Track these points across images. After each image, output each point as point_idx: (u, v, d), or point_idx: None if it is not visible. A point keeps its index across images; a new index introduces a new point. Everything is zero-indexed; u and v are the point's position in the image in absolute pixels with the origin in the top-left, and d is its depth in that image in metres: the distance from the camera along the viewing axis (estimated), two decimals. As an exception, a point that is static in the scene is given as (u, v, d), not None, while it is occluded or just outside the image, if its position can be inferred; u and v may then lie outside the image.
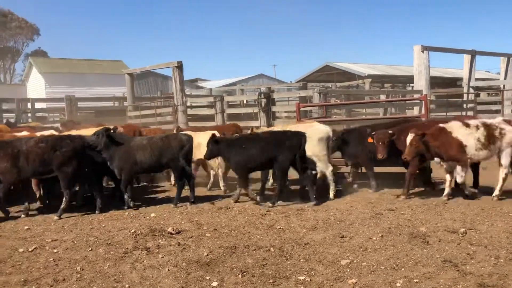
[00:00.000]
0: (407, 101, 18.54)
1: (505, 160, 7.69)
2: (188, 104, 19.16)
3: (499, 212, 6.94)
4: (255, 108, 17.08)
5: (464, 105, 20.33)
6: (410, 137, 7.73)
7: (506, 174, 7.72)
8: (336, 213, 7.33)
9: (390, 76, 38.84)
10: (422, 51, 18.72)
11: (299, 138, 8.11)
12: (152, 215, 7.74)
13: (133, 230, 6.71)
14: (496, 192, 7.73)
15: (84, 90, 35.45)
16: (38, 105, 23.03)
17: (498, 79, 24.92)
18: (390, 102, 17.49)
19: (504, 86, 21.00)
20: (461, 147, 7.65)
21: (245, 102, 25.95)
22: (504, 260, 5.00)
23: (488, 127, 7.70)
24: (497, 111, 19.33)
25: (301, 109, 12.47)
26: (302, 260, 5.29)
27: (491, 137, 7.63)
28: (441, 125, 7.99)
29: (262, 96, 16.10)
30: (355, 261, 5.17)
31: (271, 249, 5.69)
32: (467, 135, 7.68)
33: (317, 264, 5.15)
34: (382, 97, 18.75)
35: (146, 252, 5.77)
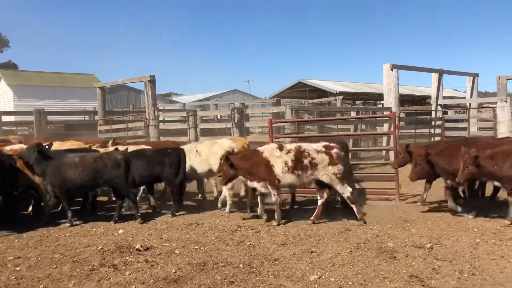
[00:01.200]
0: (377, 118, 18.88)
1: None
2: (161, 118, 19.05)
3: (464, 227, 7.10)
4: (228, 123, 17.11)
5: (433, 122, 20.82)
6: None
7: None
8: (306, 229, 7.36)
9: (361, 94, 39.57)
10: (392, 69, 19.14)
11: (178, 154, 9.00)
12: (121, 231, 7.61)
13: (100, 247, 6.57)
14: None
15: (54, 103, 34.78)
16: (5, 118, 22.48)
17: (465, 97, 25.69)
18: (361, 119, 17.76)
19: (470, 104, 21.64)
20: None
21: (218, 117, 25.97)
22: (468, 274, 5.11)
23: None
24: (463, 129, 19.87)
25: (274, 125, 12.55)
26: (271, 276, 5.28)
27: None
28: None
29: (236, 111, 16.17)
30: (323, 276, 5.19)
31: (241, 265, 5.66)
32: None
33: (285, 280, 5.15)
34: (353, 114, 19.03)
35: (113, 269, 5.65)
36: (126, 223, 8.21)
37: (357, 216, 7.73)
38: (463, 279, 5.00)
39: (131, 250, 6.38)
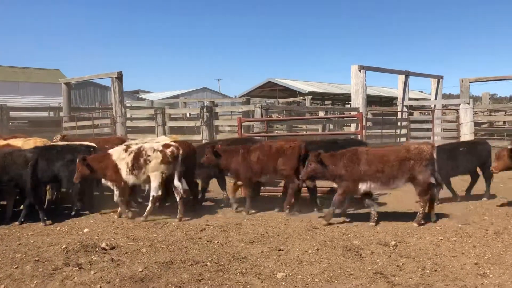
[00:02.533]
0: (345, 118, 19.18)
1: None
2: (128, 116, 18.79)
3: (427, 225, 7.29)
4: (197, 121, 17.03)
5: (399, 123, 21.29)
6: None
7: None
8: (274, 227, 7.40)
9: (330, 94, 40.10)
10: (360, 70, 19.49)
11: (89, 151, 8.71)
12: (86, 230, 7.45)
13: (64, 246, 6.42)
14: None
15: (17, 99, 33.79)
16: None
17: (430, 99, 26.38)
18: (329, 119, 18.01)
19: (434, 106, 22.25)
20: None
21: (187, 115, 25.80)
22: (430, 271, 5.25)
23: None
24: (428, 130, 20.39)
25: (243, 123, 12.57)
26: (238, 274, 5.29)
27: None
28: None
29: (205, 109, 16.11)
30: (290, 274, 5.23)
31: (208, 263, 5.64)
32: None
33: (253, 277, 5.16)
34: (321, 114, 19.28)
35: (77, 268, 5.53)
36: (92, 221, 8.06)
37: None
38: (426, 275, 5.14)
39: (97, 249, 6.26)
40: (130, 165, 7.98)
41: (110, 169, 8.03)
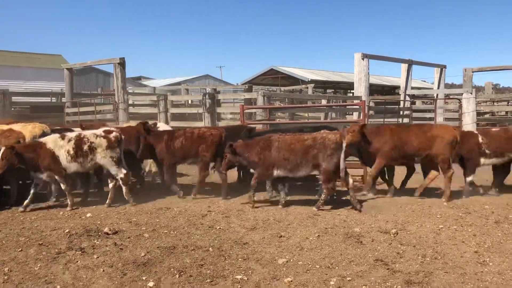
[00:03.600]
0: (347, 107, 19.14)
1: None
2: (130, 102, 18.78)
3: (427, 213, 7.33)
4: (199, 108, 17.01)
5: (401, 112, 21.24)
6: None
7: None
8: (276, 214, 7.45)
9: (333, 82, 39.94)
10: (363, 59, 19.38)
11: None
12: (88, 215, 7.51)
13: (67, 230, 6.48)
14: None
15: (19, 84, 33.74)
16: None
17: (432, 88, 26.29)
18: (331, 107, 17.97)
19: (437, 95, 22.16)
20: None
21: (190, 102, 25.77)
22: (430, 258, 5.30)
23: None
24: (430, 119, 20.35)
25: (245, 111, 12.57)
26: (240, 259, 5.33)
27: None
28: None
29: (207, 96, 16.08)
30: (291, 260, 5.28)
31: (210, 249, 5.69)
32: None
33: (254, 263, 5.21)
34: (324, 102, 19.24)
35: (80, 252, 5.59)
36: (94, 207, 8.11)
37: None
38: (426, 262, 5.18)
39: (99, 233, 6.32)
40: (72, 152, 7.93)
41: (47, 158, 7.85)
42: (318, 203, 7.71)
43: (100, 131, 8.34)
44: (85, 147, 8.01)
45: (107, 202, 8.15)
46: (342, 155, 7.67)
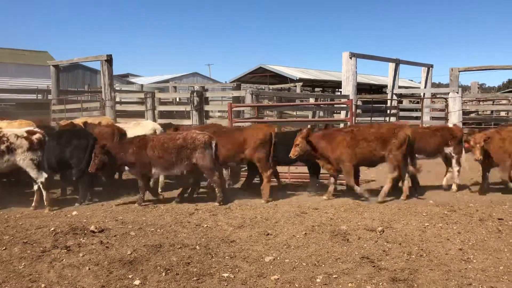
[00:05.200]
0: (335, 105, 19.21)
1: None
2: (117, 99, 18.61)
3: (413, 211, 7.39)
4: (187, 106, 16.94)
5: (388, 111, 21.38)
6: None
7: None
8: (263, 212, 7.46)
9: (321, 81, 40.04)
10: (350, 58, 19.46)
11: None
12: (74, 213, 7.45)
13: (52, 228, 6.42)
14: None
15: (4, 81, 33.25)
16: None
17: (419, 88, 26.50)
18: (319, 105, 18.03)
19: (424, 94, 22.34)
20: None
21: (177, 100, 25.63)
22: (416, 256, 5.35)
23: None
24: (417, 118, 20.51)
25: (233, 109, 12.54)
26: (227, 257, 5.33)
27: None
28: None
29: (195, 94, 16.01)
30: (278, 258, 5.29)
31: (197, 247, 5.68)
32: None
33: (241, 261, 5.22)
34: (312, 101, 19.28)
35: (66, 250, 5.55)
36: (81, 205, 8.04)
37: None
38: (411, 260, 5.23)
39: (85, 231, 6.27)
40: None
41: None
42: (218, 199, 8.04)
43: (22, 131, 7.87)
44: (2, 147, 7.55)
45: (32, 205, 7.83)
46: (212, 153, 8.04)
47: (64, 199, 8.64)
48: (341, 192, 8.97)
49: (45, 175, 7.82)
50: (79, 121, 11.13)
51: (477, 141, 8.27)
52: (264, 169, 8.45)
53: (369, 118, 19.36)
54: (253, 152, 8.45)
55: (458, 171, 9.22)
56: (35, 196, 7.89)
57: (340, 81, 21.52)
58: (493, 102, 27.24)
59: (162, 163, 8.01)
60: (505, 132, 8.65)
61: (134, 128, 9.83)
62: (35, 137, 7.80)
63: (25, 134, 7.77)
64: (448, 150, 9.25)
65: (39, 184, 7.78)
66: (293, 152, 8.17)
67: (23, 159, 7.67)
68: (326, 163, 8.39)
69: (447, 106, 18.72)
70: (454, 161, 9.24)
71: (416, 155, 8.88)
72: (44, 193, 7.78)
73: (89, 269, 4.98)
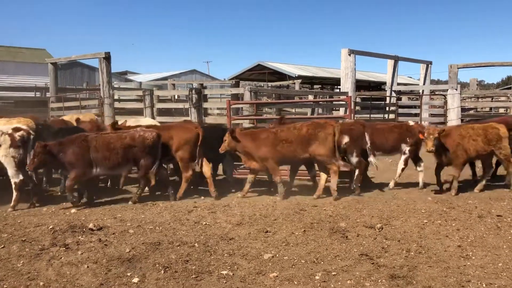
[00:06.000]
0: (334, 102, 19.20)
1: None
2: (116, 97, 18.60)
3: (412, 209, 7.38)
4: (186, 104, 16.92)
5: (387, 108, 21.39)
6: None
7: None
8: (262, 209, 7.45)
9: (319, 78, 40.04)
10: (349, 55, 19.47)
11: None
12: (73, 211, 7.44)
13: (51, 226, 6.40)
14: None
15: (3, 78, 33.20)
16: None
17: (418, 85, 26.50)
18: (317, 102, 18.02)
19: (423, 91, 22.35)
20: None
21: (176, 97, 25.62)
22: (414, 253, 5.34)
23: None
24: (416, 115, 20.51)
25: (232, 106, 12.52)
26: (226, 255, 5.33)
27: None
28: None
29: (194, 92, 16.00)
30: (277, 255, 5.29)
31: (196, 244, 5.68)
32: None
33: (240, 258, 5.21)
34: (311, 98, 19.27)
35: (64, 248, 5.53)
36: (79, 202, 8.02)
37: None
38: (410, 257, 5.23)
39: (84, 229, 6.26)
40: None
41: None
42: (134, 197, 8.04)
43: (7, 127, 7.81)
44: None
45: (11, 204, 7.68)
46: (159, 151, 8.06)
47: (64, 197, 8.61)
48: (340, 189, 8.96)
49: (21, 177, 7.74)
50: (68, 118, 11.14)
51: (431, 132, 8.29)
52: (185, 169, 8.47)
53: (368, 115, 19.37)
54: (177, 150, 8.47)
55: (402, 169, 9.30)
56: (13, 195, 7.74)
57: (339, 78, 21.51)
58: (492, 99, 27.30)
59: (106, 163, 7.74)
60: (465, 129, 8.61)
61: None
62: (18, 134, 7.73)
63: (10, 131, 7.71)
64: (404, 147, 9.25)
65: (13, 183, 7.67)
66: (222, 148, 8.37)
67: (5, 156, 7.60)
68: (249, 160, 8.47)
69: (446, 103, 18.73)
70: (403, 157, 9.31)
71: (375, 152, 9.01)
72: (15, 193, 7.69)
73: (88, 267, 4.97)
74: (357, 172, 8.76)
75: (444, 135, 8.39)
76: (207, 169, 8.59)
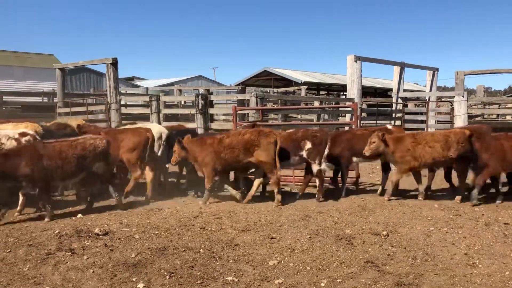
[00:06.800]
0: (340, 108, 19.18)
1: None
2: (123, 102, 18.68)
3: (418, 216, 7.35)
4: (192, 109, 16.95)
5: (393, 114, 21.33)
6: None
7: None
8: (267, 215, 7.44)
9: (326, 84, 40.02)
10: (355, 61, 19.46)
11: None
12: (79, 216, 7.47)
13: (57, 231, 6.43)
14: None
15: (10, 83, 33.48)
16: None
17: (425, 91, 26.42)
18: (323, 108, 18.01)
19: (429, 98, 22.26)
20: None
21: (182, 103, 25.70)
22: (421, 260, 5.31)
23: None
24: (422, 121, 20.42)
25: (238, 112, 12.55)
26: (231, 261, 5.32)
27: None
28: None
29: (200, 97, 16.01)
30: (282, 261, 5.28)
31: (201, 250, 5.68)
32: None
33: (245, 265, 5.20)
34: (316, 104, 19.27)
35: (70, 253, 5.56)
36: (85, 207, 8.05)
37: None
38: (416, 264, 5.20)
39: (90, 234, 6.28)
40: None
41: None
42: (117, 202, 7.99)
43: (14, 132, 7.82)
44: None
45: (17, 209, 7.58)
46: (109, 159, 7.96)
47: (73, 201, 8.64)
48: (348, 195, 8.94)
49: None
50: (72, 122, 11.24)
51: (372, 139, 8.40)
52: (133, 170, 8.66)
53: (374, 122, 19.32)
54: (125, 153, 8.63)
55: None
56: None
57: (345, 84, 21.49)
58: (499, 106, 27.14)
59: (61, 172, 7.35)
60: (421, 137, 8.54)
61: None
62: (24, 139, 7.78)
63: (16, 136, 7.76)
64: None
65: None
66: (172, 160, 8.64)
67: None
68: (200, 168, 8.64)
69: (452, 109, 18.62)
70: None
71: (354, 158, 9.13)
72: (21, 198, 7.64)
73: (93, 272, 4.98)
74: (317, 181, 8.74)
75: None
76: (149, 174, 8.83)
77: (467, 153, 8.06)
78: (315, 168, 8.64)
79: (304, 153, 8.64)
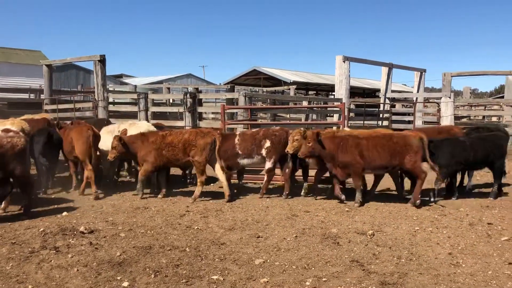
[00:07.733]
0: (328, 108, 19.24)
1: None
2: (110, 100, 18.54)
3: (404, 215, 7.41)
4: (180, 107, 16.89)
5: (381, 115, 21.44)
6: None
7: None
8: (254, 214, 7.45)
9: (314, 84, 40.15)
10: (344, 61, 19.52)
11: None
12: (64, 213, 7.40)
13: (42, 229, 6.37)
14: None
15: (-4, 79, 33.04)
16: None
17: (412, 92, 26.61)
18: (312, 108, 18.06)
19: (416, 98, 22.44)
20: None
21: (171, 101, 25.58)
22: (405, 260, 5.36)
23: None
24: (410, 122, 20.59)
25: (227, 111, 12.54)
26: (217, 260, 5.32)
27: None
28: None
29: (188, 96, 15.96)
30: (268, 260, 5.28)
31: (187, 249, 5.66)
32: None
33: (231, 263, 5.20)
34: (305, 104, 19.30)
35: (54, 251, 5.50)
36: (71, 205, 7.99)
37: None
38: (401, 264, 5.24)
39: (75, 232, 6.23)
40: None
41: None
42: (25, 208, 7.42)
43: None
44: None
45: (1, 206, 7.46)
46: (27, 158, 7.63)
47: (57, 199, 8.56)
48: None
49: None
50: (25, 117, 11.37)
51: (294, 136, 8.35)
52: (86, 167, 8.88)
53: (362, 122, 19.41)
54: (77, 149, 8.95)
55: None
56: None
57: (334, 85, 21.58)
58: (485, 108, 27.46)
59: None
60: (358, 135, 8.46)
61: (129, 129, 9.77)
62: (9, 135, 7.48)
63: None
64: None
65: None
66: (110, 155, 8.75)
67: None
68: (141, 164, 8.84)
69: (439, 110, 18.80)
70: None
71: None
72: None
73: (78, 270, 4.94)
74: (265, 178, 8.93)
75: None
76: (89, 171, 8.88)
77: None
78: (267, 165, 8.82)
79: (264, 152, 8.76)
